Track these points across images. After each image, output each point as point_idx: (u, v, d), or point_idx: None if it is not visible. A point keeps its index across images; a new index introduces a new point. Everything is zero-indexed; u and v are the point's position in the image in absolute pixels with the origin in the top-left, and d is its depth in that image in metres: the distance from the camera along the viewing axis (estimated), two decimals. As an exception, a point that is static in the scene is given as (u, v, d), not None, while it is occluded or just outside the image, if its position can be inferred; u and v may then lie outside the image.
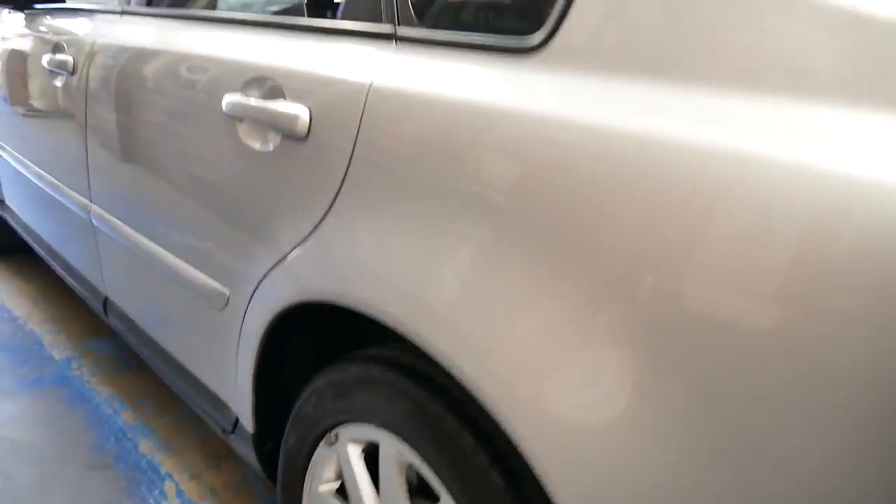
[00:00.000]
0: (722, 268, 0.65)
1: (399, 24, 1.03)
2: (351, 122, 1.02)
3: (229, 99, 1.22)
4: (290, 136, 1.11)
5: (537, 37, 0.85)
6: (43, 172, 2.19)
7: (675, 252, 0.69)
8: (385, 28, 1.04)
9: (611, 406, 0.75)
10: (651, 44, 0.75)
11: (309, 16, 1.24)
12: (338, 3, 1.18)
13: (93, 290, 2.01)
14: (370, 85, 1.00)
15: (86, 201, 1.87)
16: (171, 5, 1.62)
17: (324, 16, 1.24)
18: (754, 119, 0.66)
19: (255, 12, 1.40)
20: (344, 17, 1.13)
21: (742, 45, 0.69)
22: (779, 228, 0.62)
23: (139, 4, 1.67)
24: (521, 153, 0.82)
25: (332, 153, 1.05)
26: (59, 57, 1.88)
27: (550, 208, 0.78)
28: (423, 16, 1.02)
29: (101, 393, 2.13)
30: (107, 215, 1.76)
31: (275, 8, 1.44)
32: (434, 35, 0.98)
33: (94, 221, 1.85)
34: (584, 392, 0.77)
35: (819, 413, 0.61)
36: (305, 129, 1.09)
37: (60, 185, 2.04)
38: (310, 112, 1.08)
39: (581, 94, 0.79)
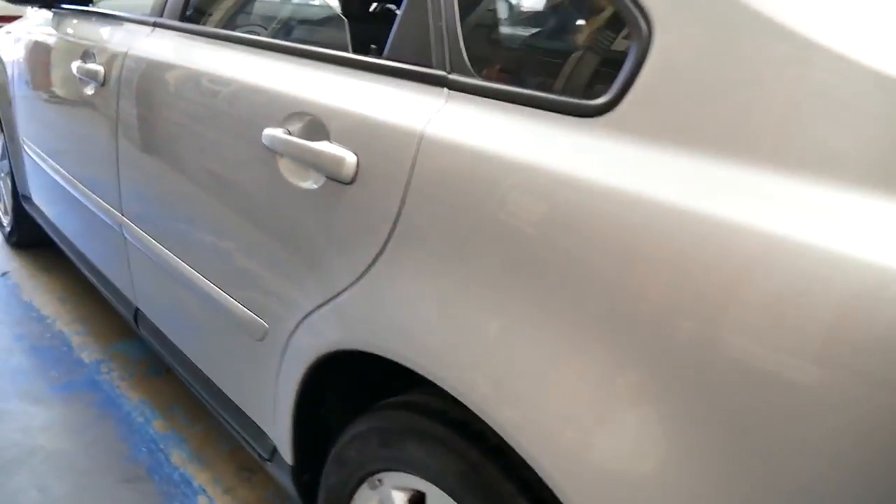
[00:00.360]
0: (762, 330, 0.67)
1: (451, 71, 1.00)
2: (401, 171, 0.99)
3: (270, 132, 1.19)
4: (335, 178, 1.09)
5: (600, 100, 0.82)
6: (71, 177, 2.17)
7: (716, 315, 0.69)
8: (435, 73, 1.01)
9: (660, 467, 0.74)
10: (717, 119, 0.73)
11: (353, 51, 1.20)
12: (384, 40, 1.14)
13: (123, 299, 2.00)
14: (422, 134, 0.97)
15: (117, 213, 1.85)
16: (204, 23, 1.58)
17: (369, 52, 1.21)
18: (808, 203, 0.66)
19: (292, 39, 1.36)
20: (391, 57, 1.09)
21: (808, 132, 0.68)
22: (812, 305, 0.64)
23: (172, 18, 1.64)
24: (577, 221, 0.80)
25: (380, 201, 1.03)
26: (90, 66, 1.85)
27: (597, 273, 0.78)
28: (477, 64, 0.98)
29: (132, 399, 2.13)
30: (139, 230, 1.75)
31: (311, 31, 1.40)
32: (488, 85, 0.95)
33: (125, 234, 1.83)
34: (631, 451, 0.77)
35: (851, 467, 0.63)
36: (352, 174, 1.06)
37: (90, 192, 2.03)
38: (356, 156, 1.06)
39: (642, 165, 0.77)
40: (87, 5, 2.34)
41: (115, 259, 1.97)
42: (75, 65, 1.93)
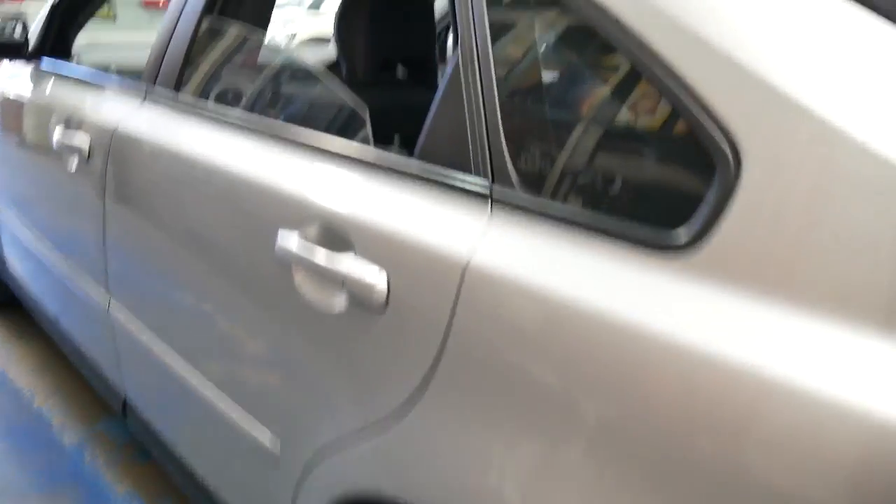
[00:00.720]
0: None
1: (494, 182, 0.87)
2: (443, 305, 0.86)
3: (284, 242, 1.06)
4: (363, 303, 0.95)
5: (681, 235, 0.70)
6: (49, 247, 2.02)
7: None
8: (476, 183, 0.89)
9: None
10: (814, 268, 0.63)
11: (375, 145, 1.06)
12: (408, 127, 1.01)
13: (108, 386, 1.84)
14: (467, 264, 0.84)
15: (103, 292, 1.70)
16: (202, 96, 1.43)
17: (391, 142, 1.08)
18: None
19: (303, 121, 1.22)
20: (423, 157, 0.96)
21: None
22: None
23: (166, 87, 1.49)
24: (652, 382, 0.69)
25: (417, 337, 0.90)
26: (74, 139, 1.70)
27: (667, 444, 0.68)
28: (525, 176, 0.85)
29: (118, 491, 1.96)
30: (129, 316, 1.60)
31: (325, 114, 1.25)
32: (540, 203, 0.82)
33: (112, 315, 1.68)
34: None
35: None
36: (383, 300, 0.93)
37: (71, 265, 1.87)
38: (387, 279, 0.92)
39: (736, 318, 0.65)
40: (69, 58, 2.20)
41: (100, 342, 1.82)
42: (56, 133, 1.78)
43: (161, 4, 5.31)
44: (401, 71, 1.73)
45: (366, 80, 1.56)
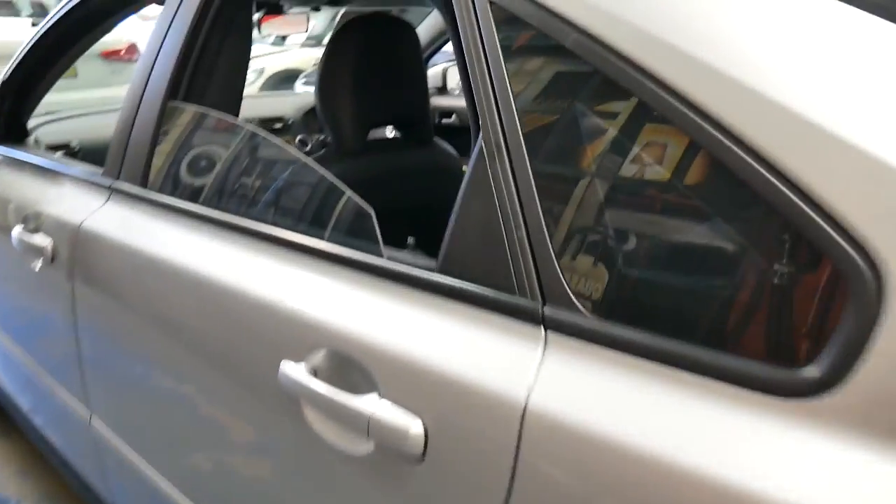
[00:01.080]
0: None
1: (545, 303, 0.71)
2: (501, 456, 0.70)
3: (288, 373, 0.89)
4: (394, 450, 0.79)
5: (806, 373, 0.56)
6: (18, 347, 1.84)
7: None
8: (523, 304, 0.73)
9: None
10: None
11: (388, 256, 0.90)
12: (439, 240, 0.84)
13: (97, 498, 1.66)
14: (525, 406, 0.69)
15: (82, 407, 1.52)
16: (174, 193, 1.26)
17: (402, 245, 0.92)
18: None
19: (299, 221, 1.06)
20: (448, 272, 0.80)
21: None
22: None
23: (132, 182, 1.32)
24: None
25: (470, 493, 0.74)
26: (33, 239, 1.52)
27: None
28: (585, 295, 0.69)
29: None
30: (113, 436, 1.42)
31: (325, 213, 1.07)
32: (609, 331, 0.67)
33: (94, 430, 1.50)
34: None
35: None
36: (420, 449, 0.77)
37: (44, 372, 1.70)
38: (424, 425, 0.76)
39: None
40: (26, 137, 2.02)
41: (84, 456, 1.64)
42: (15, 232, 1.60)
43: (121, 54, 5.12)
44: (392, 131, 1.58)
45: (356, 147, 1.40)
